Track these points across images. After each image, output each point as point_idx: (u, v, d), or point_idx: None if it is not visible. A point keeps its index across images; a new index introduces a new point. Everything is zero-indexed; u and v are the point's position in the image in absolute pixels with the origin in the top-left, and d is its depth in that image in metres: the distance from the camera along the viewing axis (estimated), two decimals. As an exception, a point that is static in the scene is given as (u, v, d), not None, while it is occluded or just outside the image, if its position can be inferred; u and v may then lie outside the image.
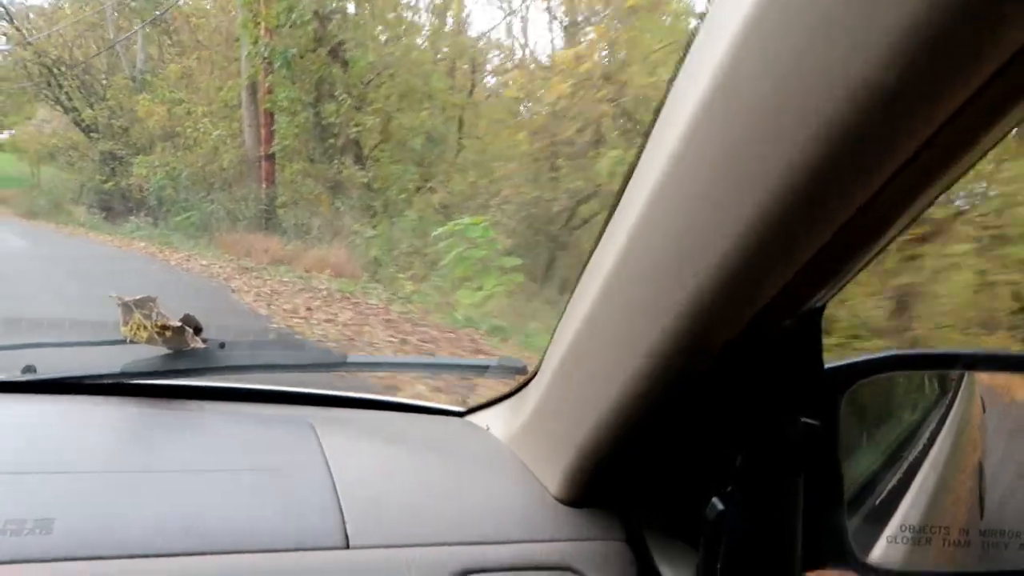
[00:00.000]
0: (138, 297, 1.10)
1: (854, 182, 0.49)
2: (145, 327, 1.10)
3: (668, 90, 0.59)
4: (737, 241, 0.54)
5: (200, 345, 1.13)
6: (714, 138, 0.53)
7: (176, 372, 1.12)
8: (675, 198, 0.59)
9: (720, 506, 0.70)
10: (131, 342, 1.10)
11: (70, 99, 18.14)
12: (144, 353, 1.13)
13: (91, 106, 17.87)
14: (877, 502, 0.92)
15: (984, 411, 1.32)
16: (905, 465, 1.01)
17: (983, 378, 1.36)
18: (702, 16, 0.56)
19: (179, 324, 1.12)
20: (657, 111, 0.61)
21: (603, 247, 0.73)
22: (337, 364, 1.14)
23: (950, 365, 0.99)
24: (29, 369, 1.19)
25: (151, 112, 15.70)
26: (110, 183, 17.05)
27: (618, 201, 0.70)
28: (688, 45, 0.56)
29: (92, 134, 17.62)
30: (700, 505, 0.74)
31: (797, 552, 0.78)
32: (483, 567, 0.80)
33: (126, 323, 1.10)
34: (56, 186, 18.31)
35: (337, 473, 0.90)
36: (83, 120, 17.99)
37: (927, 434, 1.12)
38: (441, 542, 0.81)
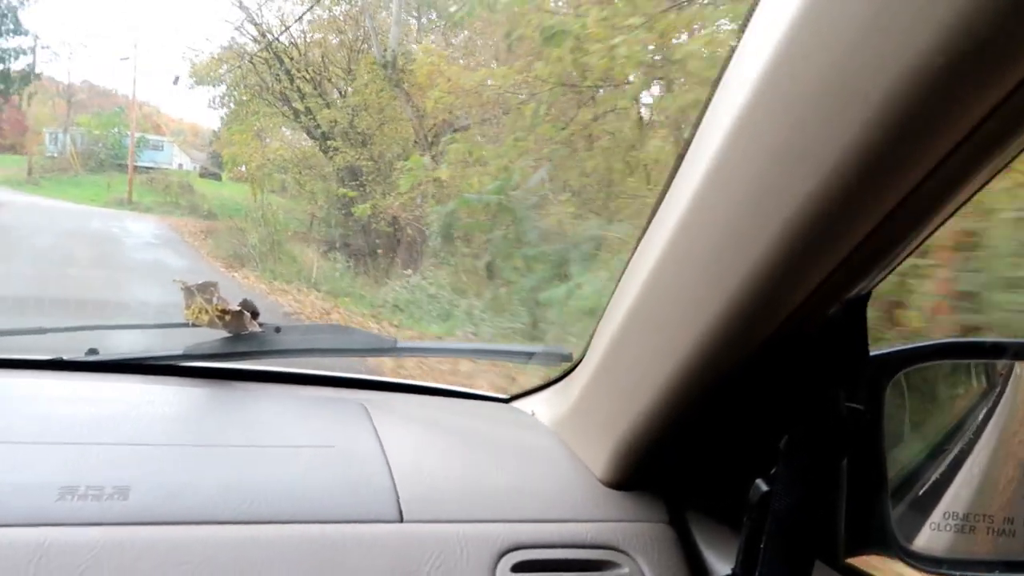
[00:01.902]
0: (200, 282, 1.15)
1: (901, 169, 0.50)
2: (206, 311, 1.14)
3: (717, 81, 0.61)
4: (783, 231, 0.55)
5: (257, 329, 1.18)
6: (764, 127, 0.55)
7: (234, 355, 1.17)
8: (724, 187, 0.60)
9: (764, 487, 0.72)
10: (193, 325, 1.16)
11: (301, 95, 12.73)
12: (205, 336, 1.18)
13: (328, 104, 12.55)
14: (922, 490, 0.92)
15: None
16: (951, 455, 1.01)
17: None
18: (751, 8, 0.57)
19: (238, 308, 1.16)
20: (706, 103, 0.62)
21: (650, 236, 0.74)
22: (387, 349, 1.18)
23: (998, 355, 0.98)
24: (92, 352, 1.25)
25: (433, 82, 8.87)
26: (358, 209, 10.75)
27: (665, 191, 0.71)
28: (739, 35, 0.58)
29: (329, 141, 12.01)
30: (743, 488, 0.76)
31: (840, 536, 0.79)
32: (530, 543, 0.83)
33: (188, 307, 1.15)
34: (278, 217, 12.74)
35: (390, 451, 0.94)
36: (318, 125, 12.52)
37: (974, 425, 1.11)
38: (490, 519, 0.85)
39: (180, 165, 28.24)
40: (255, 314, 1.20)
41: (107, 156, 27.07)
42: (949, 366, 1.06)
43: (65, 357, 1.21)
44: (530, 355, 1.24)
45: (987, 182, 0.55)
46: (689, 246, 0.67)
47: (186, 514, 0.78)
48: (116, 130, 27.37)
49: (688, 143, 0.67)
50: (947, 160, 0.49)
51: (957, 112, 0.45)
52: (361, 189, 11.53)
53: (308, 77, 12.75)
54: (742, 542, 0.74)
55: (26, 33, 20.25)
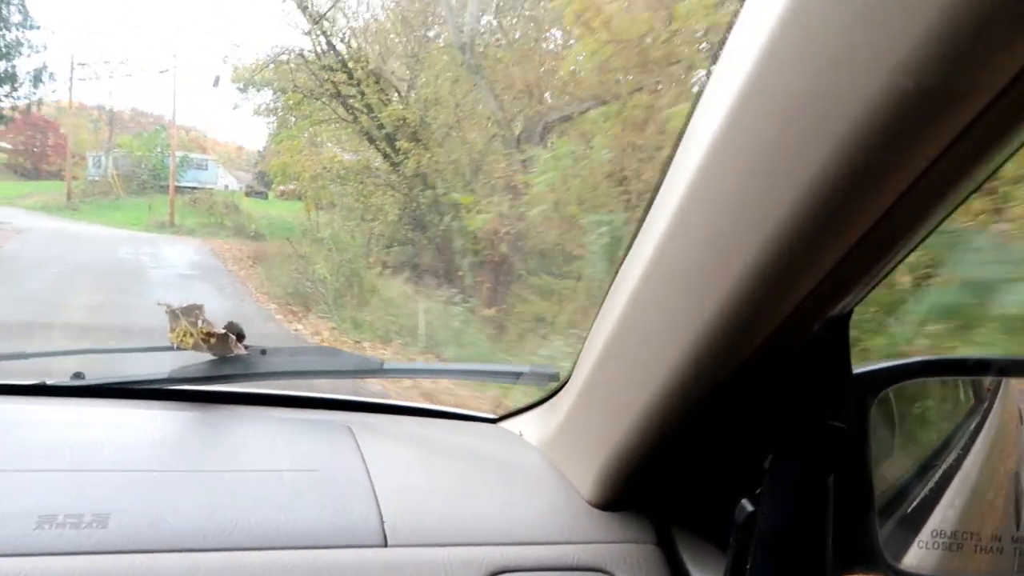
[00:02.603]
0: (185, 305, 1.15)
1: (879, 186, 0.50)
2: (191, 334, 1.14)
3: (697, 97, 0.61)
4: (766, 246, 0.55)
5: (243, 352, 1.17)
6: (742, 145, 0.55)
7: (219, 378, 1.16)
8: (703, 206, 0.61)
9: (749, 507, 0.71)
10: (178, 348, 1.15)
11: (360, 91, 10.08)
12: (191, 359, 1.17)
13: (386, 102, 9.97)
14: (910, 508, 0.92)
15: (1022, 420, 1.30)
16: (939, 472, 1.01)
17: (1021, 386, 1.34)
18: (729, 26, 0.58)
19: (223, 331, 1.16)
20: (686, 120, 0.63)
21: (633, 256, 0.75)
22: (374, 371, 1.17)
23: (983, 371, 0.99)
24: (78, 376, 1.24)
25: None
26: (474, 222, 7.50)
27: (648, 210, 0.72)
28: (716, 55, 0.58)
29: (396, 142, 9.43)
30: (729, 508, 0.76)
31: (827, 555, 0.78)
32: (517, 566, 0.82)
33: (173, 330, 1.15)
34: (354, 239, 10.22)
35: (375, 474, 0.93)
36: (381, 124, 9.88)
37: (962, 441, 1.11)
38: (476, 542, 0.84)
39: (226, 186, 27.10)
40: (240, 336, 1.19)
41: (149, 177, 26.13)
42: (937, 382, 1.07)
43: (48, 382, 1.20)
44: (518, 375, 1.23)
45: (965, 199, 0.56)
46: (670, 265, 0.67)
47: (167, 541, 0.76)
48: (158, 150, 26.48)
49: (669, 161, 0.67)
50: (924, 177, 0.49)
51: (932, 130, 0.46)
52: (437, 199, 8.87)
53: (366, 69, 10.14)
54: (728, 562, 0.74)
55: (36, 27, 19.44)
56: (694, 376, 0.69)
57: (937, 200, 0.53)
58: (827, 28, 0.46)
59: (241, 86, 12.63)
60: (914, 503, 0.92)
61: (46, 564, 0.71)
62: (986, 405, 1.23)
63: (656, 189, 0.69)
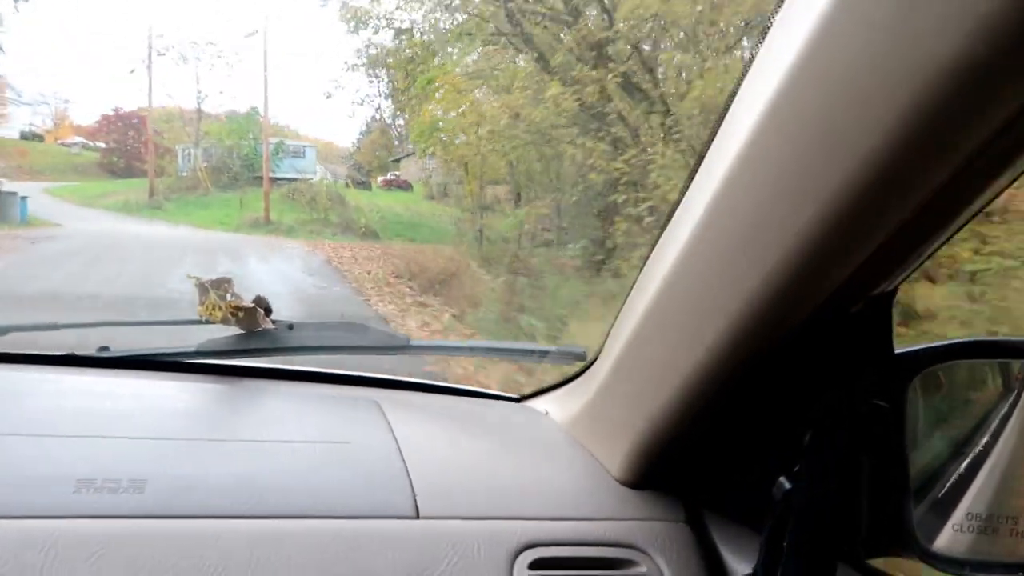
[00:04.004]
0: (214, 278, 1.15)
1: (929, 165, 0.49)
2: (219, 307, 1.14)
3: (745, 71, 0.60)
4: (810, 227, 0.54)
5: (270, 326, 1.17)
6: (791, 121, 0.54)
7: (247, 352, 1.17)
8: (747, 183, 0.59)
9: (788, 485, 0.71)
10: (207, 322, 1.15)
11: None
12: (218, 333, 1.18)
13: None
14: (943, 490, 0.91)
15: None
16: (973, 455, 1.00)
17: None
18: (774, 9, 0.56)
19: (251, 305, 1.16)
20: (732, 94, 0.61)
21: (670, 233, 0.74)
22: (400, 347, 1.17)
23: (1022, 354, 0.97)
24: (103, 349, 1.25)
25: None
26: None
27: (687, 187, 0.71)
28: (765, 28, 0.57)
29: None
30: (761, 487, 0.75)
31: (861, 536, 0.78)
32: (548, 541, 0.82)
33: (202, 303, 1.15)
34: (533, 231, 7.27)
35: (405, 448, 0.93)
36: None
37: (996, 424, 1.10)
38: (506, 516, 0.84)
39: (322, 179, 23.97)
40: (268, 311, 1.20)
41: (240, 168, 22.98)
42: (973, 365, 1.05)
43: (78, 353, 1.21)
44: (544, 353, 1.23)
45: (1010, 183, 0.54)
46: (710, 243, 0.66)
47: (201, 508, 0.77)
48: (251, 136, 23.17)
49: (711, 138, 0.66)
50: (972, 162, 0.48)
51: (981, 114, 0.45)
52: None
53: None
54: (763, 541, 0.73)
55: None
56: (729, 356, 0.68)
57: (978, 188, 0.52)
58: (876, 10, 0.45)
59: (352, 25, 10.51)
60: (948, 486, 0.91)
61: (85, 527, 0.72)
62: (1018, 388, 1.22)
63: (697, 164, 0.68)
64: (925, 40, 0.43)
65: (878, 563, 0.82)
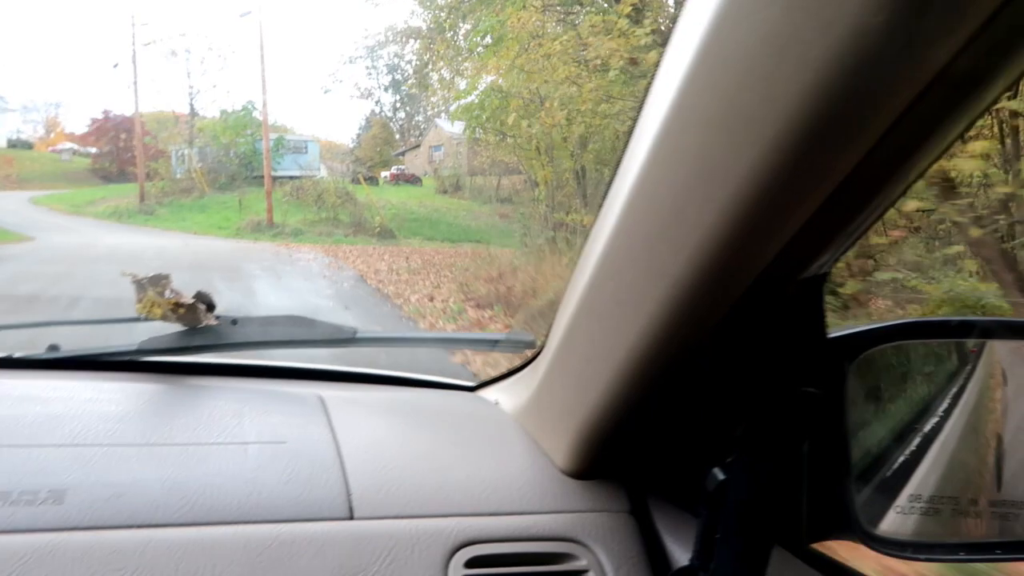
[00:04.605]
0: (151, 275, 1.12)
1: (841, 146, 0.48)
2: (159, 304, 1.11)
3: (660, 61, 0.58)
4: (729, 206, 0.53)
5: (213, 322, 1.14)
6: (703, 104, 0.52)
7: (190, 348, 1.14)
8: (667, 167, 0.58)
9: (721, 476, 0.70)
10: (146, 319, 1.12)
11: None
12: (161, 330, 1.15)
13: None
14: (889, 473, 0.91)
15: (1005, 382, 1.30)
16: (919, 436, 1.00)
17: (1005, 348, 1.33)
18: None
19: (192, 301, 1.13)
20: (650, 82, 0.60)
21: (601, 219, 0.72)
22: (347, 340, 1.15)
23: (965, 334, 0.97)
24: (53, 348, 1.22)
25: None
26: None
27: (615, 173, 0.69)
28: (675, 18, 0.55)
29: None
30: (704, 476, 0.74)
31: (803, 522, 0.77)
32: (486, 537, 0.81)
33: (140, 300, 1.12)
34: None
35: (344, 446, 0.91)
36: None
37: (944, 405, 1.10)
38: (444, 513, 0.82)
39: (331, 176, 22.17)
40: (211, 307, 1.17)
41: (238, 168, 21.21)
42: (921, 345, 1.05)
43: (16, 355, 1.17)
44: (495, 342, 1.21)
45: (933, 162, 0.53)
46: (634, 230, 0.65)
47: (126, 517, 0.75)
48: (249, 132, 21.26)
49: (632, 125, 0.64)
50: (886, 139, 0.47)
51: (891, 89, 0.43)
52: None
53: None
54: (699, 531, 0.73)
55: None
56: (661, 342, 0.67)
57: (898, 166, 0.51)
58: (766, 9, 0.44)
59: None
60: (892, 468, 0.91)
61: (2, 542, 0.69)
62: (969, 368, 1.22)
63: (621, 155, 0.66)
64: (824, 16, 0.42)
65: (822, 547, 0.82)
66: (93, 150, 30.87)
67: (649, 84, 0.60)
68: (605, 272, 0.71)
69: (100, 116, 29.39)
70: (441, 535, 0.79)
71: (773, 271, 0.59)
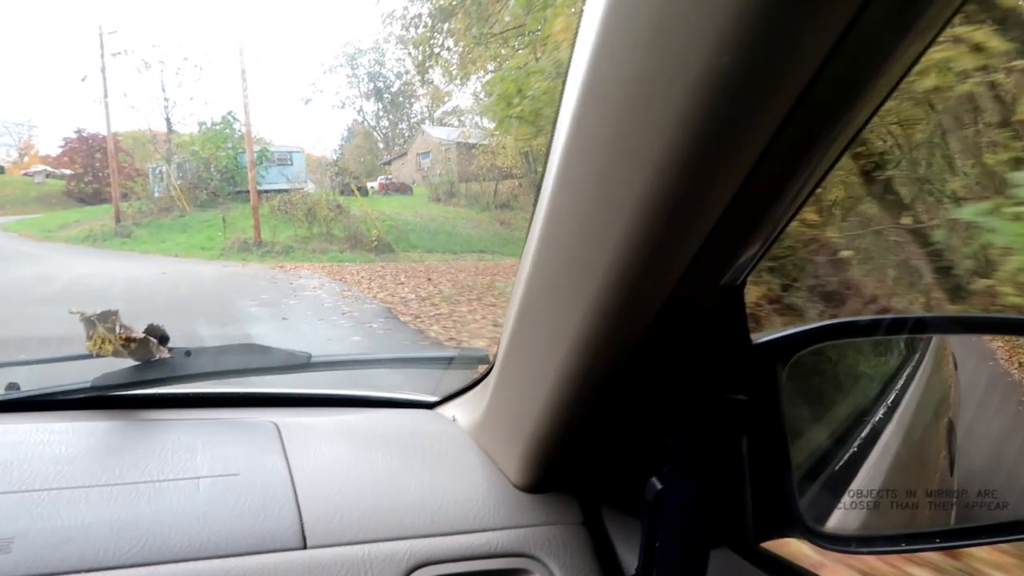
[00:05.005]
0: (100, 311, 1.12)
1: (723, 164, 0.50)
2: (109, 340, 1.11)
3: (564, 83, 0.60)
4: (634, 221, 0.54)
5: (166, 355, 1.14)
6: (594, 132, 0.54)
7: (143, 382, 1.13)
8: (572, 190, 0.60)
9: (658, 485, 0.71)
10: (97, 356, 1.12)
11: None
12: (114, 366, 1.14)
13: None
14: (834, 471, 0.93)
15: (956, 367, 1.32)
16: (865, 431, 1.02)
17: (955, 340, 1.36)
18: (580, 15, 0.57)
19: (143, 335, 1.13)
20: (556, 113, 0.61)
21: (529, 241, 0.73)
22: (301, 365, 1.15)
23: (896, 331, 0.99)
24: (13, 386, 1.20)
25: None
26: None
27: (537, 194, 0.70)
28: (572, 49, 0.57)
29: None
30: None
31: (746, 523, 0.79)
32: (440, 558, 0.82)
33: (90, 337, 1.11)
34: None
35: (298, 474, 0.91)
36: None
37: (890, 399, 1.13)
38: (398, 536, 0.83)
39: (321, 188, 20.28)
40: (163, 339, 1.17)
41: (220, 183, 19.80)
42: (862, 343, 1.07)
43: None
44: (449, 360, 1.22)
45: (832, 166, 0.55)
46: (552, 251, 0.66)
47: (76, 562, 0.74)
48: (229, 146, 19.95)
49: (549, 143, 0.66)
50: (777, 141, 0.48)
51: (752, 117, 0.45)
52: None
53: None
54: (641, 541, 0.74)
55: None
56: (591, 355, 0.68)
57: (789, 176, 0.52)
58: (647, 13, 0.45)
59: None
60: (837, 466, 0.93)
61: None
62: (917, 358, 1.25)
63: (542, 176, 0.68)
64: (686, 49, 0.43)
65: (771, 545, 0.84)
66: (68, 172, 29.95)
67: (555, 116, 0.62)
68: (532, 295, 0.73)
69: (73, 136, 28.31)
70: (395, 558, 0.80)
71: (688, 281, 0.61)
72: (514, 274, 0.78)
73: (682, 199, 0.51)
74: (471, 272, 10.49)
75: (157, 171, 21.93)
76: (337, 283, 10.05)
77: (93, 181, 27.16)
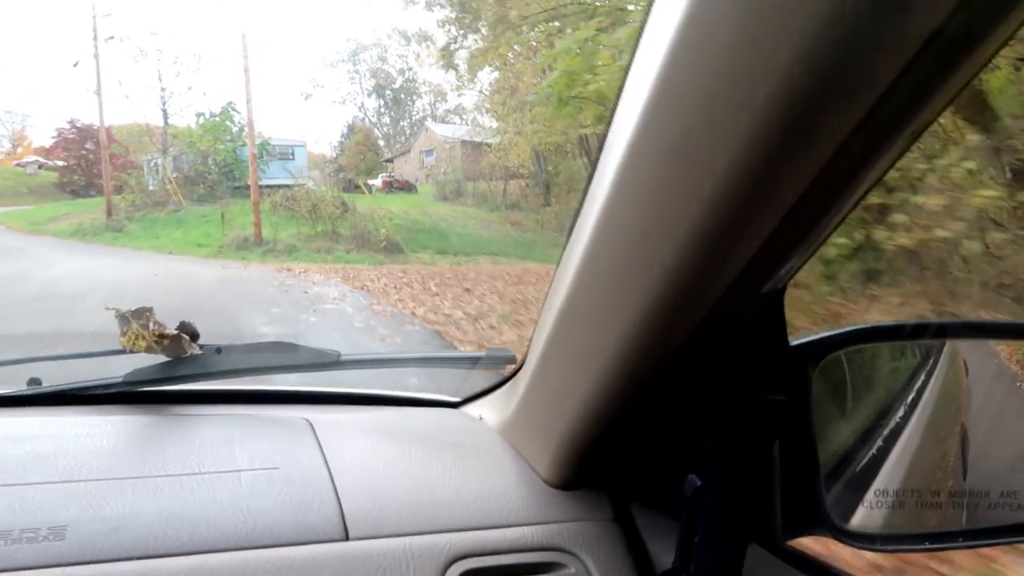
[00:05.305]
0: (134, 308, 1.14)
1: (792, 169, 0.51)
2: (143, 336, 1.13)
3: (622, 87, 0.62)
4: (690, 231, 0.57)
5: (197, 351, 1.16)
6: (658, 138, 0.56)
7: (175, 378, 1.15)
8: (633, 190, 0.61)
9: (697, 482, 0.74)
10: (130, 352, 1.14)
11: None
12: (146, 362, 1.16)
13: None
14: (857, 470, 0.96)
15: (967, 375, 1.35)
16: (885, 433, 1.05)
17: (966, 344, 1.38)
18: (646, 15, 0.58)
19: (175, 332, 1.15)
20: (613, 109, 0.63)
21: (574, 240, 0.76)
22: (330, 364, 1.17)
23: (919, 336, 1.02)
24: (34, 381, 1.22)
25: None
26: None
27: (585, 195, 0.73)
28: (632, 56, 0.59)
29: None
30: (682, 482, 0.78)
31: (776, 522, 0.81)
32: (477, 551, 0.84)
33: (124, 334, 1.13)
34: None
35: (335, 468, 0.94)
36: None
37: (908, 401, 1.15)
38: (436, 530, 0.85)
39: (327, 184, 19.90)
40: (194, 336, 1.19)
41: (218, 177, 19.17)
42: (883, 347, 1.10)
43: (0, 392, 1.18)
44: (476, 360, 1.24)
45: (883, 175, 0.57)
46: (604, 252, 0.68)
47: (126, 550, 0.77)
48: (228, 138, 19.32)
49: (600, 149, 0.68)
50: (838, 156, 0.50)
51: (831, 119, 0.47)
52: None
53: None
54: (679, 536, 0.76)
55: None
56: (633, 357, 0.70)
57: (849, 181, 0.54)
58: (727, 22, 0.47)
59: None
60: (861, 465, 0.96)
61: None
62: (931, 363, 1.27)
63: (589, 179, 0.70)
64: (763, 59, 0.46)
65: (797, 544, 0.86)
66: (61, 163, 29.38)
67: (612, 113, 0.64)
68: (579, 291, 0.75)
69: (66, 126, 27.46)
70: (434, 551, 0.82)
71: (735, 288, 0.63)
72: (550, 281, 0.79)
73: (742, 210, 0.53)
74: (507, 280, 9.32)
75: (152, 164, 21.19)
76: (360, 293, 8.62)
77: (85, 173, 26.45)
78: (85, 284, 8.53)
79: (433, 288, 8.91)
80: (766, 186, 0.52)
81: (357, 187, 18.86)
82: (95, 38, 18.22)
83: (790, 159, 0.50)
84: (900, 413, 1.08)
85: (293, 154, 20.67)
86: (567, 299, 0.78)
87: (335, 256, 13.02)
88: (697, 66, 0.51)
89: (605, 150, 0.66)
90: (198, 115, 20.78)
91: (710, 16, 0.49)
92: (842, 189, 0.56)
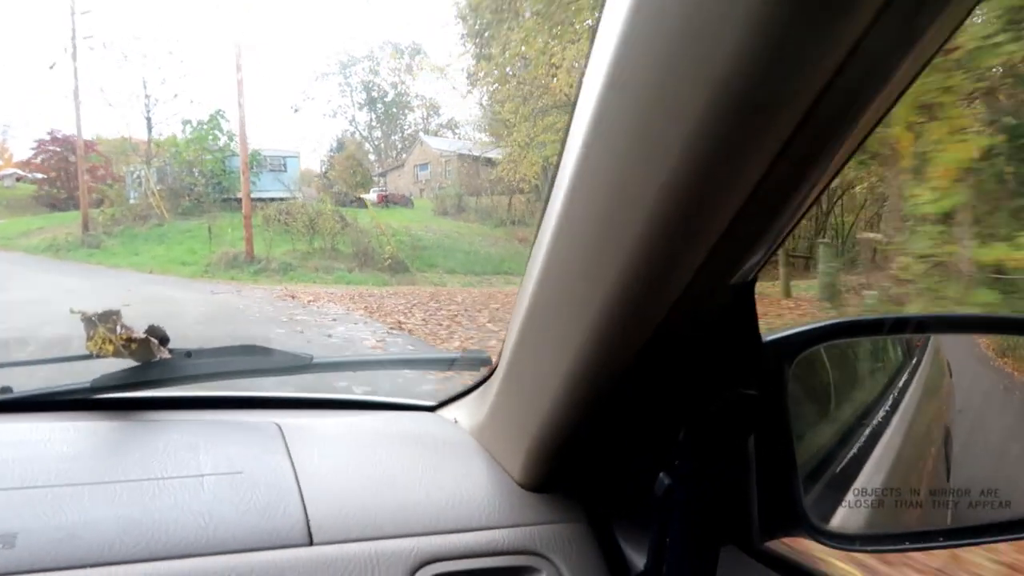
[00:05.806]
0: (101, 311, 1.11)
1: (742, 160, 0.50)
2: (110, 340, 1.10)
3: (579, 86, 0.61)
4: (648, 224, 0.55)
5: (167, 355, 1.14)
6: (609, 137, 0.55)
7: (144, 383, 1.13)
8: (589, 188, 0.60)
9: (667, 481, 0.72)
10: (97, 356, 1.11)
11: None
12: (115, 366, 1.14)
13: None
14: (837, 470, 0.94)
15: (951, 375, 1.34)
16: (866, 432, 1.03)
17: (949, 340, 1.37)
18: (596, 23, 0.57)
19: (144, 336, 1.12)
20: (570, 115, 0.62)
21: (538, 241, 0.74)
22: (303, 367, 1.15)
23: (899, 330, 1.00)
24: (5, 389, 1.19)
25: None
26: None
27: (548, 196, 0.71)
28: (588, 55, 0.58)
29: None
30: (654, 482, 0.76)
31: (753, 523, 0.79)
32: (447, 555, 0.82)
33: (90, 338, 1.11)
34: None
35: (302, 473, 0.91)
36: None
37: (890, 400, 1.14)
38: (404, 533, 0.83)
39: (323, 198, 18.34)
40: (164, 340, 1.16)
41: (206, 189, 18.21)
42: (865, 343, 1.08)
43: None
44: (451, 362, 1.22)
45: (839, 169, 0.56)
46: (566, 251, 0.67)
47: (80, 557, 0.74)
48: (217, 148, 18.31)
49: (562, 146, 0.66)
50: (788, 149, 0.49)
51: (773, 115, 0.46)
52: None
53: None
54: (652, 537, 0.74)
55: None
56: (602, 354, 0.68)
57: (804, 175, 0.54)
58: (668, 23, 0.46)
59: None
60: (840, 465, 0.94)
61: None
62: (914, 362, 1.26)
63: (552, 179, 0.68)
64: (703, 57, 0.45)
65: (776, 545, 0.84)
66: (40, 175, 27.90)
67: (569, 121, 0.63)
68: (544, 293, 0.73)
69: (46, 137, 26.49)
70: (401, 555, 0.80)
71: (699, 282, 0.61)
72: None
73: (695, 204, 0.52)
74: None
75: (135, 175, 20.09)
76: (401, 335, 6.51)
77: (65, 186, 25.46)
78: (36, 318, 6.96)
79: (488, 324, 6.99)
80: (714, 183, 0.52)
81: (352, 201, 17.88)
82: (73, 36, 17.44)
83: (733, 157, 0.49)
84: (882, 412, 1.07)
85: (285, 165, 20.01)
86: (532, 301, 0.76)
87: (336, 276, 12.18)
88: (639, 68, 0.50)
89: (564, 154, 0.65)
90: (184, 123, 19.99)
91: (649, 23, 0.48)
92: (792, 186, 0.56)
